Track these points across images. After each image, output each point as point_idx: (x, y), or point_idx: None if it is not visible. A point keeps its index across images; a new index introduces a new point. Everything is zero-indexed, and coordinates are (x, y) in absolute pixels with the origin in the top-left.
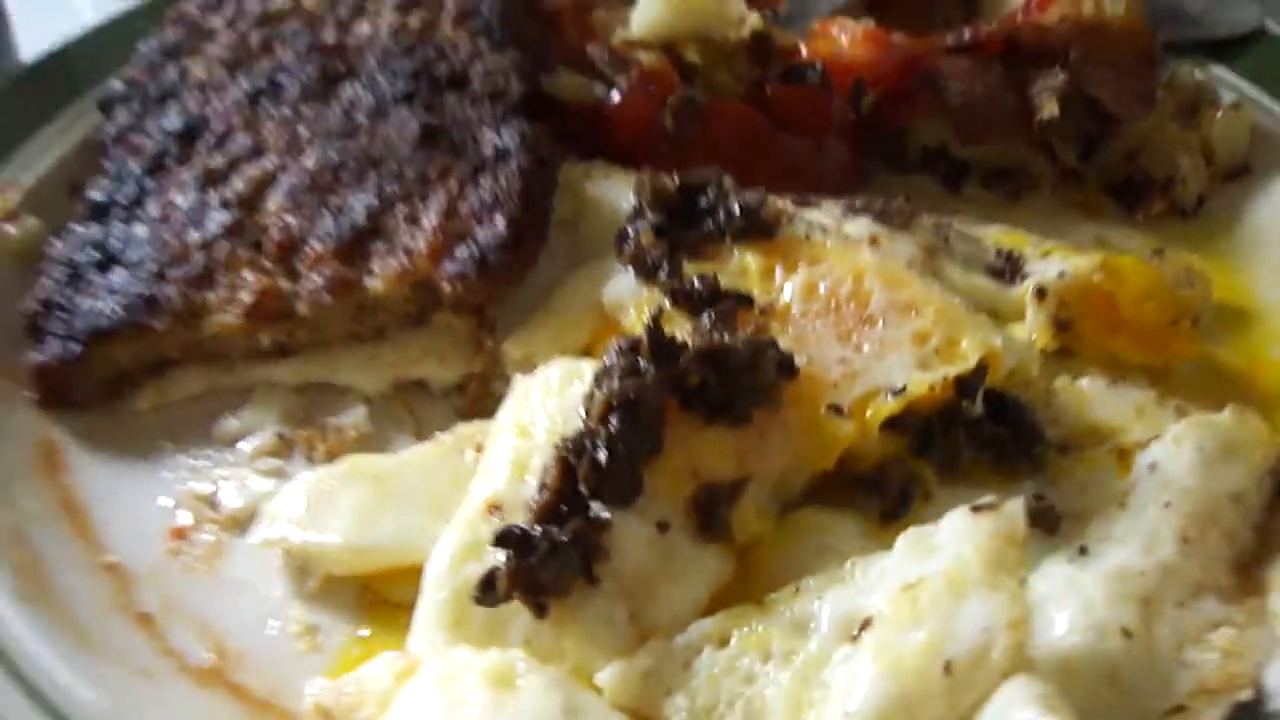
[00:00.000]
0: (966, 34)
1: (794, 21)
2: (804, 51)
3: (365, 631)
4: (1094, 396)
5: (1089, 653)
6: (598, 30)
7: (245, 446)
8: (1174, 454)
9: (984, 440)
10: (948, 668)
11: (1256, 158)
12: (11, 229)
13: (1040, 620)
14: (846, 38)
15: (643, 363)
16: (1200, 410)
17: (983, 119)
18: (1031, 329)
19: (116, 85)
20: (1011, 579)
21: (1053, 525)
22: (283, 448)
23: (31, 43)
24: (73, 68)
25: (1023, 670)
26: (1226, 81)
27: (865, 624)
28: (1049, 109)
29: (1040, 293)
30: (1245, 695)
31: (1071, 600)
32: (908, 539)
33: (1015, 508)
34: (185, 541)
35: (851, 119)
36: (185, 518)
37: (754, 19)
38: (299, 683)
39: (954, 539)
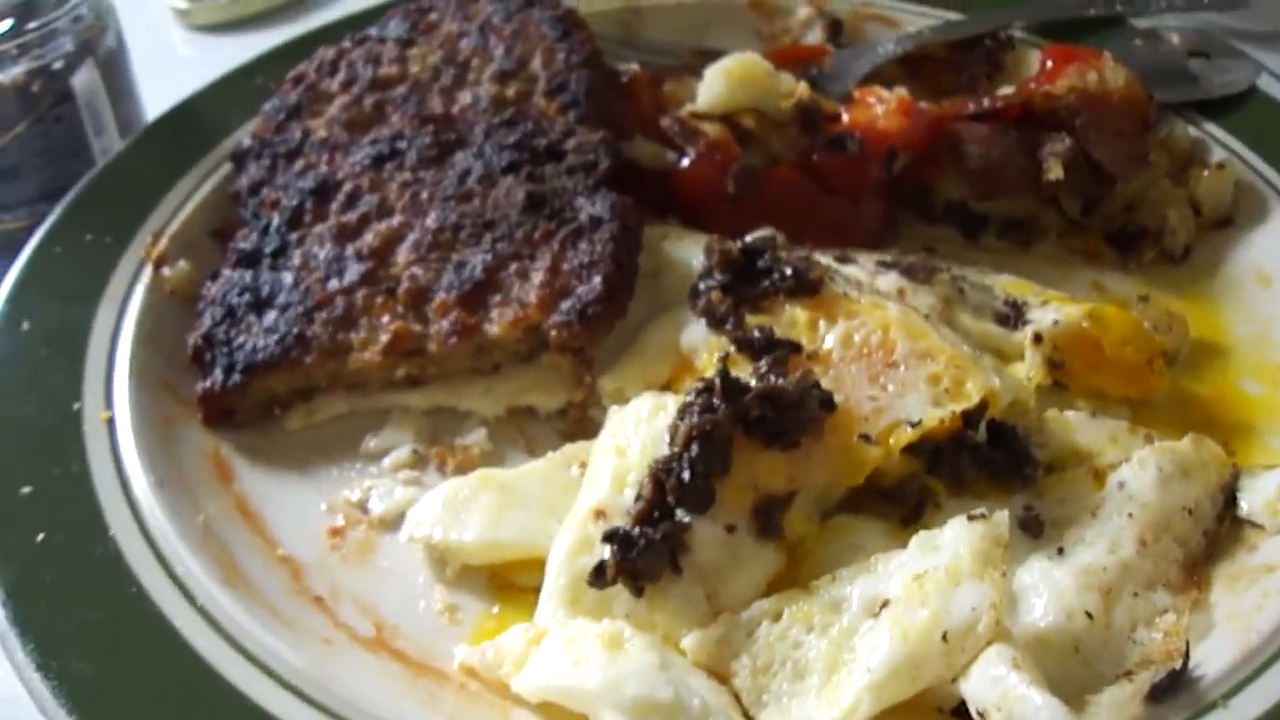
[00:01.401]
0: (985, 102)
1: (836, 79)
2: (844, 118)
3: (496, 609)
4: (1077, 425)
5: (1058, 630)
6: (668, 101)
7: (386, 461)
8: (1139, 474)
9: (984, 462)
10: (945, 637)
11: (1240, 210)
12: (167, 272)
13: (1023, 604)
14: (881, 108)
15: (715, 401)
16: (1169, 437)
17: (998, 179)
18: (1029, 368)
19: (246, 140)
20: (996, 571)
21: (1038, 530)
22: (418, 461)
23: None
24: (199, 121)
25: (1001, 640)
26: (1217, 138)
27: (885, 604)
28: (1055, 171)
29: (1037, 338)
30: (1176, 665)
31: (1047, 589)
32: (919, 539)
33: (1001, 517)
34: (341, 539)
35: (884, 180)
36: (339, 519)
37: (802, 88)
38: (446, 649)
39: (953, 540)
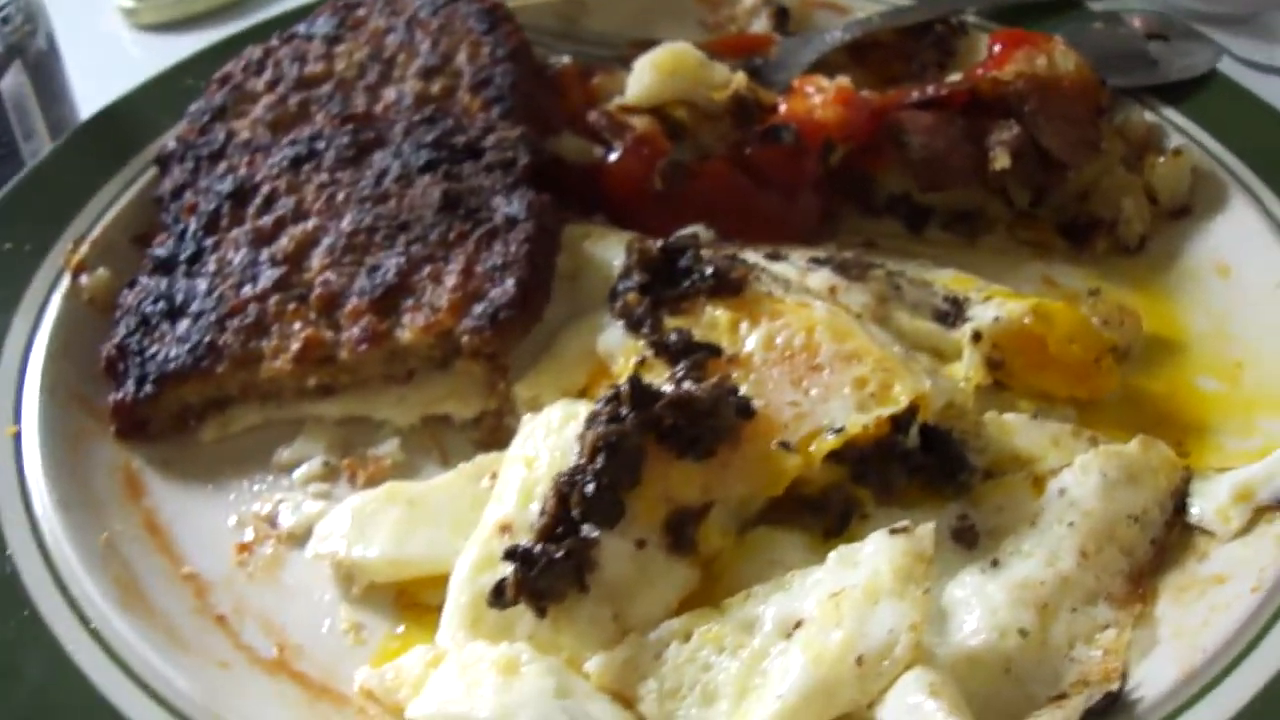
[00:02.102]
0: (931, 90)
1: (781, 69)
2: (782, 109)
3: (401, 628)
4: (1017, 428)
5: (989, 649)
6: (598, 95)
7: (297, 473)
8: (1081, 480)
9: (916, 468)
10: (859, 660)
11: (1198, 198)
12: (85, 280)
13: (953, 621)
14: (819, 98)
15: (624, 409)
16: (1119, 439)
17: (942, 169)
18: (967, 368)
19: (170, 144)
20: (917, 589)
21: (972, 541)
22: (329, 474)
23: (83, 80)
24: (126, 123)
25: (920, 663)
26: (1176, 124)
27: (798, 624)
28: (1002, 160)
29: (976, 336)
30: (1113, 686)
31: (979, 605)
32: (838, 554)
33: (925, 530)
34: (249, 554)
35: (822, 172)
36: (248, 534)
37: (739, 78)
38: (348, 670)
39: (873, 555)
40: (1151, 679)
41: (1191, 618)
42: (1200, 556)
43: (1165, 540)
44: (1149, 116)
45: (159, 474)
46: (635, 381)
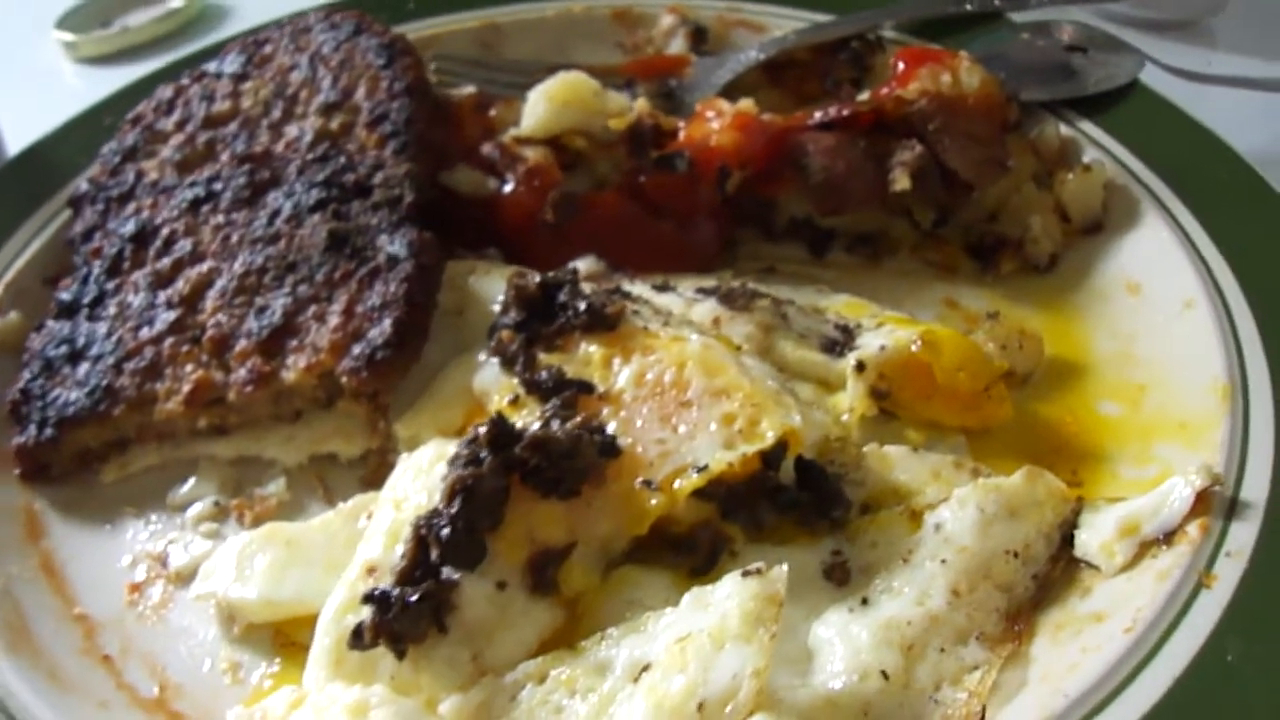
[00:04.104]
0: (833, 110)
1: (696, 90)
2: (681, 137)
3: (276, 668)
4: (897, 461)
5: (849, 692)
6: (495, 126)
7: (189, 512)
8: (958, 514)
9: (788, 505)
10: (700, 707)
11: (1111, 215)
12: None
13: (816, 661)
14: (717, 123)
15: (483, 452)
16: (1011, 468)
17: (842, 192)
18: (851, 399)
19: (83, 185)
20: (766, 633)
21: (844, 578)
22: (220, 513)
23: (23, 114)
24: (47, 164)
25: (765, 709)
26: (1093, 137)
27: (645, 668)
28: (901, 182)
29: (860, 366)
30: None
31: (843, 645)
32: (692, 596)
33: (779, 573)
34: (140, 594)
35: (719, 199)
36: (140, 573)
37: (641, 104)
38: (224, 710)
39: (725, 598)
40: None
41: (1061, 660)
42: (1084, 592)
43: (1049, 575)
44: (1065, 130)
45: (60, 515)
46: (495, 422)
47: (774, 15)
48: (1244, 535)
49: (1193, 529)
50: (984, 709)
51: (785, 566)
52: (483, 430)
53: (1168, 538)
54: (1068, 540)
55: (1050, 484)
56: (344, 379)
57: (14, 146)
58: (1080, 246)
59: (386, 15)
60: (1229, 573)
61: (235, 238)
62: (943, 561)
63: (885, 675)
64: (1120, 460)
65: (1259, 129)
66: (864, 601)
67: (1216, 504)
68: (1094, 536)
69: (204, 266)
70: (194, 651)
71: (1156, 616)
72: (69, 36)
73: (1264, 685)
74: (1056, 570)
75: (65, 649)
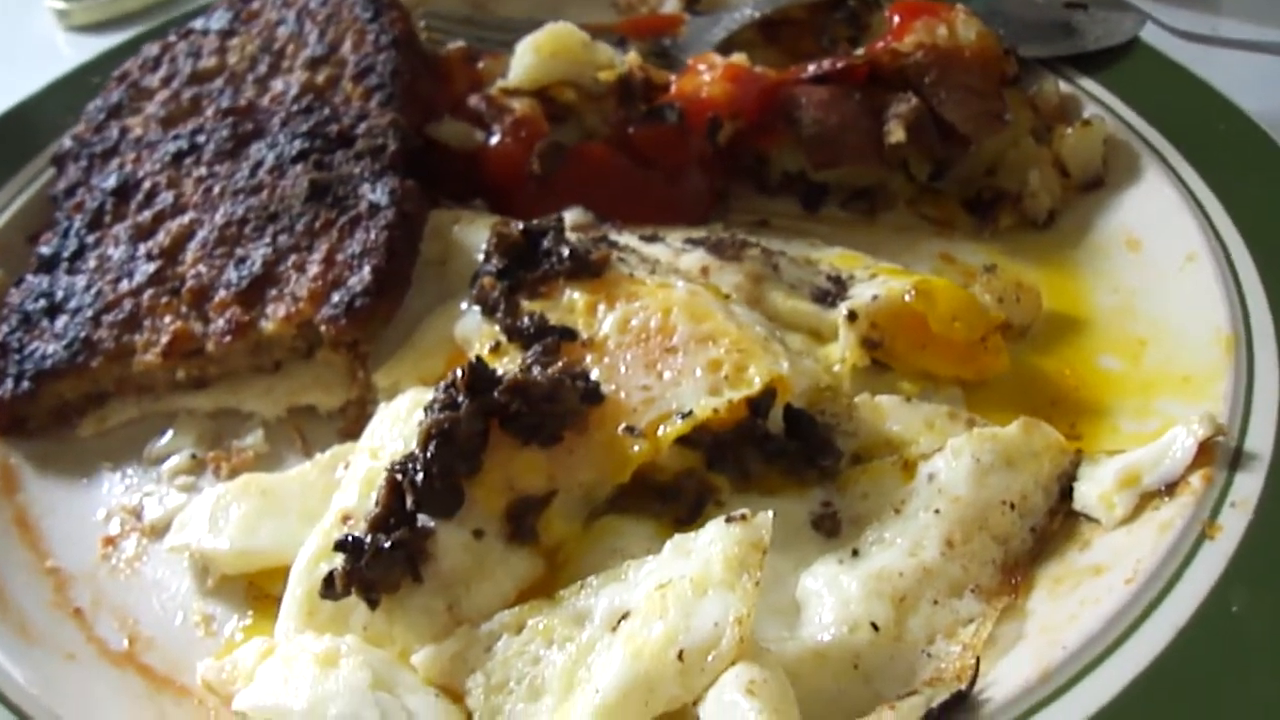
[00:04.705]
0: (828, 64)
1: (690, 48)
2: (672, 90)
3: (249, 620)
4: (890, 411)
5: (838, 644)
6: (483, 79)
7: (165, 466)
8: (952, 464)
9: (776, 454)
10: (680, 655)
11: (1111, 170)
12: None
13: (805, 614)
14: (709, 75)
15: (460, 396)
16: (1007, 421)
17: (835, 145)
18: (843, 349)
19: (67, 143)
20: (749, 581)
21: (834, 529)
22: (196, 466)
23: (16, 82)
24: (33, 123)
25: (748, 658)
26: (1093, 94)
27: (625, 616)
28: (896, 135)
29: (851, 316)
30: (962, 686)
31: (832, 597)
32: (673, 543)
33: (763, 519)
34: (114, 547)
35: (710, 151)
36: (115, 527)
37: (631, 58)
38: (196, 663)
39: (707, 544)
40: (1006, 677)
41: (1060, 612)
42: (1083, 545)
43: (1047, 528)
44: (1064, 87)
45: (36, 469)
46: (473, 366)
47: None
48: (1249, 485)
49: (1195, 479)
50: (978, 661)
51: (771, 513)
52: (460, 374)
53: (1169, 489)
54: (1066, 494)
55: (1047, 434)
56: (323, 327)
57: None
58: (1080, 203)
59: None
60: (1234, 523)
61: (217, 189)
62: (936, 512)
63: (875, 627)
64: (1120, 414)
65: (1266, 92)
66: (854, 553)
67: (1220, 454)
68: (1093, 488)
69: (185, 218)
70: (167, 605)
71: (1158, 567)
72: (61, 4)
73: (1270, 634)
74: (1055, 524)
75: (35, 602)
